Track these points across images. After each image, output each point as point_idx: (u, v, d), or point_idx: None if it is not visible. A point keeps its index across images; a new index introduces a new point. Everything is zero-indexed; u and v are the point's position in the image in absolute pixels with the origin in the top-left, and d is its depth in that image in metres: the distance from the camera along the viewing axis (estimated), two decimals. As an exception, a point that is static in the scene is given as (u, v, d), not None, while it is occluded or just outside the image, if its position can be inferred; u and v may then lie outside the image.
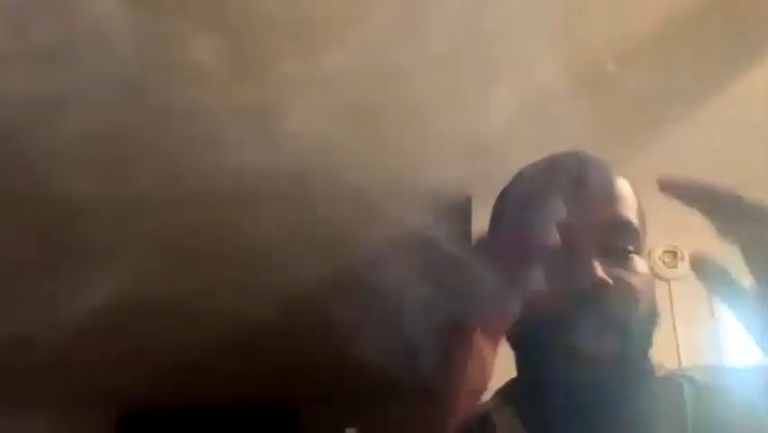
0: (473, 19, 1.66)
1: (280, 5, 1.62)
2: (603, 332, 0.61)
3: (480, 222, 2.47)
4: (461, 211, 2.27)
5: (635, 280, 0.64)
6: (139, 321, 2.77)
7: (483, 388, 0.59)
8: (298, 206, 2.26)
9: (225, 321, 2.85)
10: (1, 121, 1.75)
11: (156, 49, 1.42)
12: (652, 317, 0.65)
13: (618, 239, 0.65)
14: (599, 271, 0.61)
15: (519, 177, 0.73)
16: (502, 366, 0.70)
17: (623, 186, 0.68)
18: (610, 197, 0.67)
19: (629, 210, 0.67)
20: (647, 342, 0.65)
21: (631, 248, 0.65)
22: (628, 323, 0.62)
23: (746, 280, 0.55)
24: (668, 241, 1.99)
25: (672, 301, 1.94)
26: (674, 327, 1.91)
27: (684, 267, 1.94)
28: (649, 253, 1.75)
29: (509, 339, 0.69)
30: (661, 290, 1.37)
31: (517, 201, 0.70)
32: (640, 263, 0.65)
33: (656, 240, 1.81)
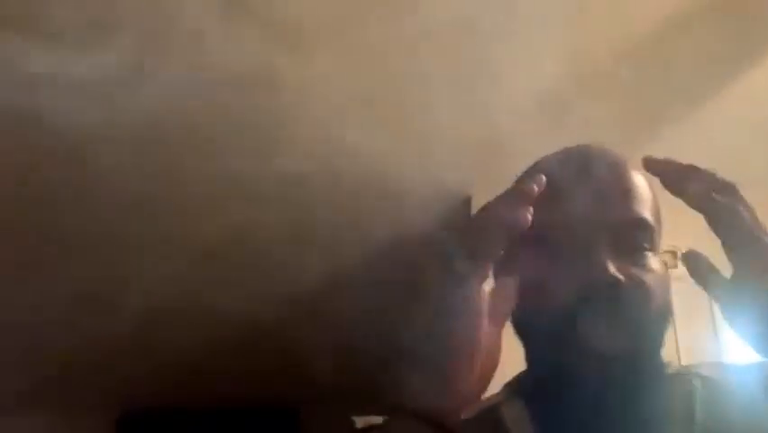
0: (473, 19, 1.66)
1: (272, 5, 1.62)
2: (615, 329, 0.60)
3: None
4: (461, 211, 2.27)
5: (648, 278, 0.63)
6: (139, 321, 2.77)
7: (490, 375, 0.58)
8: (298, 206, 2.26)
9: (225, 321, 2.85)
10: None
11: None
12: (665, 316, 0.65)
13: (633, 236, 0.64)
14: (612, 268, 0.61)
15: (534, 168, 0.71)
16: (512, 360, 0.70)
17: (638, 181, 0.67)
18: (625, 192, 0.66)
19: (644, 206, 0.66)
20: (660, 340, 0.64)
21: (646, 245, 0.65)
22: (641, 321, 0.62)
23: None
24: (668, 241, 1.99)
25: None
26: (674, 327, 1.91)
27: (684, 267, 1.94)
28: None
29: (520, 333, 0.68)
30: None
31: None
32: (654, 261, 0.65)
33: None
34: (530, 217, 0.57)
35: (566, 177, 0.66)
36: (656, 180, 0.63)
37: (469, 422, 0.62)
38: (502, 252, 0.58)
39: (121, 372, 3.09)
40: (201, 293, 2.63)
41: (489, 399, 0.68)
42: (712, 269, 0.57)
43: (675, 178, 0.58)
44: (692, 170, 0.59)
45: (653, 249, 0.65)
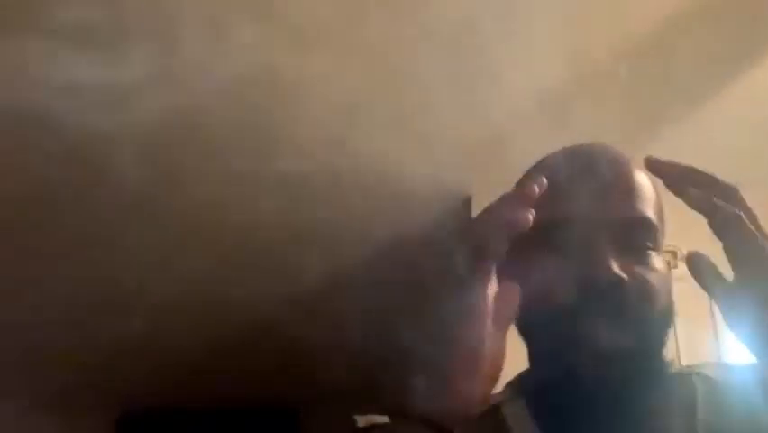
0: (473, 19, 1.66)
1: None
2: (618, 328, 0.60)
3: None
4: (461, 211, 2.27)
5: (651, 277, 0.63)
6: (139, 321, 2.77)
7: (495, 379, 0.58)
8: (298, 206, 2.26)
9: (225, 321, 2.85)
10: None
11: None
12: (668, 315, 0.64)
13: (636, 235, 0.64)
14: (615, 266, 0.60)
15: (538, 166, 0.71)
16: (513, 359, 0.70)
17: (642, 180, 0.67)
18: (628, 191, 0.65)
19: (647, 205, 0.65)
20: (662, 339, 0.64)
21: (649, 244, 0.64)
22: (644, 320, 0.62)
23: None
24: (668, 241, 1.99)
25: (672, 301, 1.94)
26: (674, 327, 1.91)
27: (684, 267, 1.94)
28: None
29: (522, 332, 0.68)
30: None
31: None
32: (657, 260, 0.64)
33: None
34: (531, 218, 0.57)
35: (569, 175, 0.65)
36: (659, 180, 0.63)
37: (470, 421, 0.62)
38: (504, 253, 0.57)
39: (121, 372, 3.09)
40: (201, 293, 2.63)
41: (491, 398, 0.68)
42: (714, 271, 0.57)
43: (677, 179, 0.58)
44: (694, 172, 0.59)
45: (656, 248, 0.65)
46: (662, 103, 1.94)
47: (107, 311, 2.68)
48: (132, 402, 3.51)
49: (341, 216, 2.32)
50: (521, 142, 2.03)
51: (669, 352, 0.65)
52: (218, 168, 2.08)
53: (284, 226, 2.35)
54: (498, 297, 0.58)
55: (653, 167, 0.59)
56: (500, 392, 0.71)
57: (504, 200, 0.59)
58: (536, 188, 0.58)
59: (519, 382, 0.72)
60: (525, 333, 0.68)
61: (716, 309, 2.19)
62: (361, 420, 0.68)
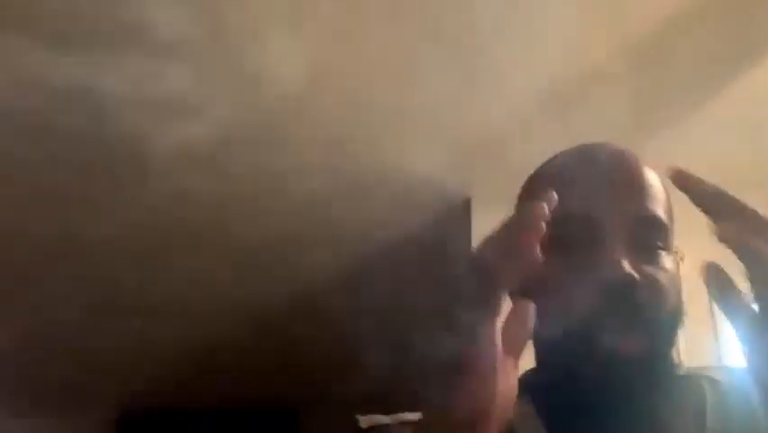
0: (472, 19, 1.66)
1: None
2: (628, 328, 0.59)
3: (481, 223, 2.47)
4: (460, 212, 2.27)
5: (662, 277, 0.62)
6: (139, 321, 2.77)
7: (508, 409, 0.54)
8: (298, 206, 2.26)
9: (225, 321, 2.85)
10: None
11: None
12: (677, 316, 0.63)
13: (647, 234, 0.63)
14: (627, 265, 0.60)
15: (547, 165, 0.70)
16: (526, 354, 0.70)
17: (653, 179, 0.66)
18: (640, 189, 0.64)
19: (659, 205, 0.65)
20: (672, 340, 0.63)
21: (660, 244, 0.64)
22: (654, 320, 0.61)
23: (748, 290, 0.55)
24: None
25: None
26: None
27: (684, 267, 1.94)
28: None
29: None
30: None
31: (545, 190, 0.68)
32: (668, 260, 0.64)
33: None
34: (539, 254, 0.52)
35: (579, 172, 0.65)
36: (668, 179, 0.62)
37: None
38: (517, 282, 0.54)
39: (121, 372, 3.09)
40: (202, 294, 2.63)
41: None
42: (734, 291, 0.54)
43: (708, 202, 0.55)
44: (722, 195, 0.55)
45: (666, 248, 0.64)
46: (662, 103, 1.94)
47: (107, 311, 2.68)
48: (132, 402, 3.51)
49: (341, 217, 2.32)
50: (521, 143, 2.03)
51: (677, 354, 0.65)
52: (218, 168, 2.08)
53: (284, 227, 2.35)
54: (509, 321, 0.54)
55: (679, 181, 0.56)
56: None
57: (514, 226, 0.54)
58: (546, 209, 0.54)
59: (525, 381, 0.71)
60: (534, 332, 0.68)
61: (716, 310, 2.19)
62: (364, 421, 0.68)
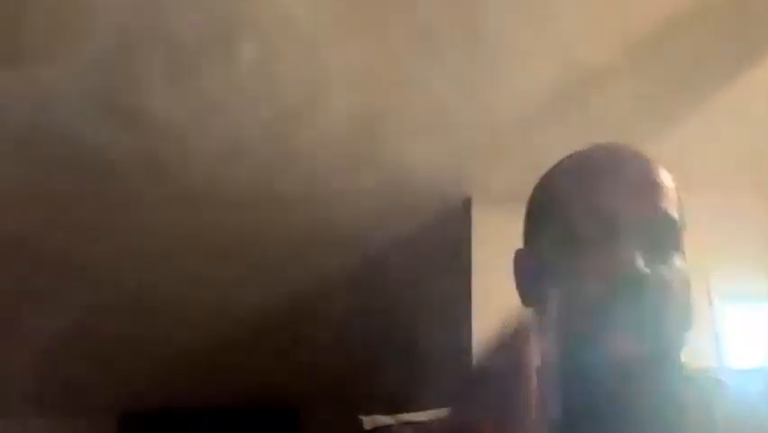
0: (473, 20, 1.66)
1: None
2: (638, 326, 0.59)
3: (480, 223, 2.46)
4: (460, 211, 2.27)
5: (673, 277, 0.62)
6: (139, 322, 2.77)
7: None
8: (298, 206, 2.25)
9: (226, 321, 2.85)
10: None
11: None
12: (686, 317, 0.63)
13: (660, 234, 0.63)
14: (640, 263, 0.60)
15: (561, 164, 0.70)
16: None
17: (666, 179, 0.66)
18: (655, 189, 0.65)
19: (672, 205, 0.65)
20: (680, 341, 0.63)
21: (672, 244, 0.64)
22: (664, 319, 0.61)
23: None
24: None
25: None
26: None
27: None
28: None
29: None
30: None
31: (561, 188, 0.67)
32: (679, 261, 0.64)
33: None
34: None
35: (595, 171, 0.65)
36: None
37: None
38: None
39: (121, 372, 3.09)
40: (202, 294, 2.63)
41: None
42: None
43: None
44: None
45: (678, 249, 0.65)
46: (662, 104, 1.94)
47: (107, 311, 2.68)
48: (132, 402, 3.51)
49: (341, 217, 2.32)
50: (521, 144, 2.03)
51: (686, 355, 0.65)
52: (217, 169, 2.08)
53: (284, 227, 2.35)
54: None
55: None
56: None
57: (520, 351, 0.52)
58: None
59: None
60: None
61: (716, 310, 2.18)
62: (367, 422, 0.68)
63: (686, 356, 0.64)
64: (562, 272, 0.63)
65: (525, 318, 0.53)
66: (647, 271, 0.60)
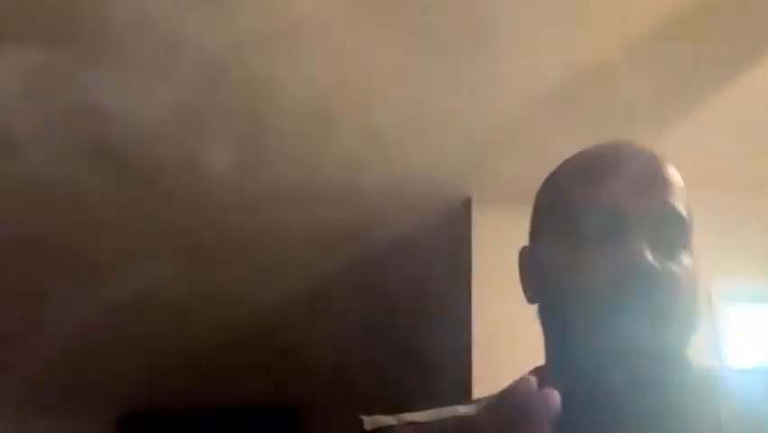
0: (473, 21, 1.66)
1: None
2: (646, 320, 0.59)
3: (480, 223, 2.46)
4: (460, 211, 2.27)
5: (681, 273, 0.62)
6: (139, 322, 2.77)
7: None
8: (298, 206, 2.25)
9: (225, 322, 2.85)
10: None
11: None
12: (693, 313, 0.63)
13: (669, 230, 0.63)
14: (649, 258, 0.60)
15: (576, 157, 0.71)
16: (523, 353, 0.70)
17: (676, 176, 0.66)
18: (665, 186, 0.65)
19: (681, 202, 0.65)
20: (688, 337, 0.63)
21: (681, 240, 0.64)
22: (672, 315, 0.61)
23: None
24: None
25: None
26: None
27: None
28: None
29: (545, 322, 0.68)
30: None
31: (568, 184, 0.67)
32: (687, 258, 0.64)
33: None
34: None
35: (605, 165, 0.65)
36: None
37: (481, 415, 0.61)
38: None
39: (121, 372, 3.09)
40: (202, 294, 2.63)
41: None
42: None
43: None
44: None
45: (686, 246, 0.65)
46: (662, 104, 1.94)
47: (107, 312, 2.68)
48: (132, 402, 3.51)
49: (341, 217, 2.33)
50: (521, 144, 2.03)
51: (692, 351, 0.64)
52: (217, 170, 2.08)
53: (284, 227, 2.35)
54: None
55: None
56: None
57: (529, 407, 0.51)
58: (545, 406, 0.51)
59: (535, 376, 0.71)
60: (549, 322, 0.67)
61: (716, 310, 2.18)
62: (368, 422, 0.67)
63: (690, 354, 0.64)
64: (568, 268, 0.62)
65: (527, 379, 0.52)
66: (657, 265, 0.60)
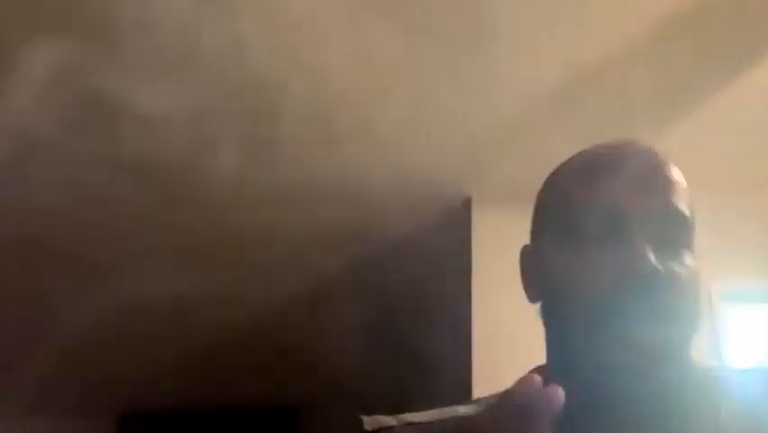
0: (473, 20, 1.66)
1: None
2: (648, 320, 0.59)
3: (480, 223, 2.46)
4: (460, 212, 2.27)
5: (683, 273, 0.62)
6: (139, 322, 2.77)
7: None
8: (298, 206, 2.25)
9: (225, 322, 2.85)
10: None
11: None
12: (696, 314, 0.63)
13: (672, 230, 0.63)
14: (652, 257, 0.60)
15: (578, 156, 0.70)
16: (526, 352, 0.70)
17: (679, 176, 0.66)
18: (668, 186, 0.65)
19: (684, 202, 0.65)
20: (690, 337, 0.63)
21: (684, 241, 0.64)
22: (674, 315, 0.61)
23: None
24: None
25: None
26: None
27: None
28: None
29: (547, 322, 0.68)
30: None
31: (569, 183, 0.67)
32: (689, 258, 0.63)
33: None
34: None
35: (609, 166, 0.65)
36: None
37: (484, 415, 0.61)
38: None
39: (121, 372, 3.09)
40: (202, 294, 2.63)
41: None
42: None
43: None
44: None
45: (689, 246, 0.64)
46: (662, 103, 1.94)
47: (107, 312, 2.68)
48: (132, 402, 3.51)
49: (341, 217, 2.33)
50: (521, 144, 2.03)
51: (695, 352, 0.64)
52: (217, 170, 2.08)
53: (284, 227, 2.35)
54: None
55: None
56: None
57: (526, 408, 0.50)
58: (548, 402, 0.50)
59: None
60: (551, 323, 0.67)
61: (716, 310, 2.18)
62: (368, 422, 0.67)
63: (692, 354, 0.64)
64: (570, 268, 0.62)
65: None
66: (659, 266, 0.60)
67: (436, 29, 1.69)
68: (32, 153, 1.91)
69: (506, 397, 0.52)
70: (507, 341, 1.80)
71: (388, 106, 1.91)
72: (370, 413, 0.70)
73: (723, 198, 1.91)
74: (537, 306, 0.69)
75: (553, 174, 0.72)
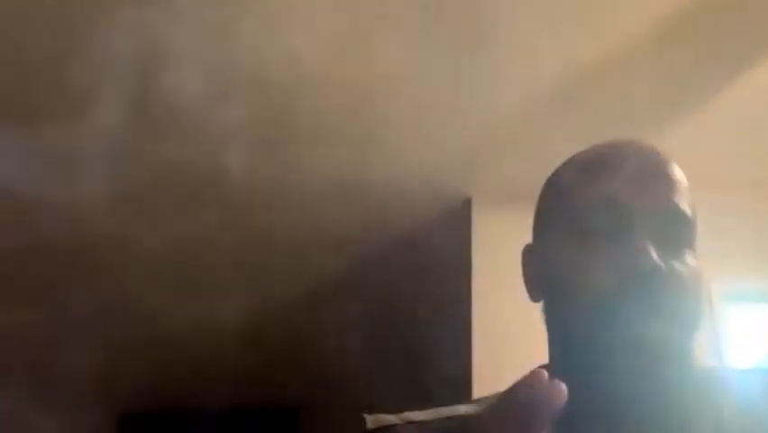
0: (473, 20, 1.66)
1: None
2: (649, 319, 0.59)
3: (480, 223, 2.47)
4: (460, 212, 2.27)
5: (685, 272, 0.62)
6: (139, 322, 2.77)
7: None
8: (298, 206, 2.26)
9: (226, 322, 2.85)
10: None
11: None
12: (698, 313, 0.63)
13: (674, 229, 0.63)
14: (654, 255, 0.60)
15: (580, 154, 0.71)
16: (526, 351, 0.70)
17: (681, 175, 0.66)
18: (670, 184, 0.65)
19: (686, 202, 0.65)
20: (691, 336, 0.63)
21: (685, 240, 0.64)
22: (675, 313, 0.61)
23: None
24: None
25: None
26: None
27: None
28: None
29: (549, 321, 0.68)
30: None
31: (571, 181, 0.68)
32: (691, 257, 0.63)
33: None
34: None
35: (610, 162, 0.65)
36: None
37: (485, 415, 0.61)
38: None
39: (121, 372, 3.09)
40: (201, 294, 2.63)
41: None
42: None
43: None
44: None
45: (690, 245, 0.65)
46: (662, 103, 1.94)
47: (106, 311, 2.68)
48: (132, 402, 3.51)
49: (341, 217, 2.33)
50: (521, 144, 2.03)
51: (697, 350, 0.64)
52: (217, 171, 2.08)
53: (284, 227, 2.35)
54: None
55: None
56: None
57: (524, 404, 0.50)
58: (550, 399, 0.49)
59: None
60: (553, 322, 0.67)
61: (716, 310, 2.18)
62: (371, 421, 0.67)
63: (694, 354, 0.64)
64: (571, 266, 0.63)
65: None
66: (661, 264, 0.60)
67: (436, 29, 1.69)
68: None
69: (510, 391, 0.52)
70: (507, 341, 1.81)
71: (388, 107, 1.91)
72: (370, 413, 0.70)
73: (723, 197, 1.91)
74: (540, 305, 0.69)
75: (554, 173, 0.72)
